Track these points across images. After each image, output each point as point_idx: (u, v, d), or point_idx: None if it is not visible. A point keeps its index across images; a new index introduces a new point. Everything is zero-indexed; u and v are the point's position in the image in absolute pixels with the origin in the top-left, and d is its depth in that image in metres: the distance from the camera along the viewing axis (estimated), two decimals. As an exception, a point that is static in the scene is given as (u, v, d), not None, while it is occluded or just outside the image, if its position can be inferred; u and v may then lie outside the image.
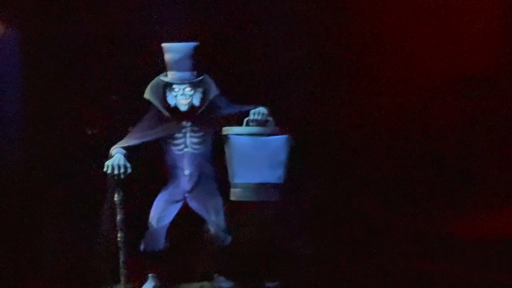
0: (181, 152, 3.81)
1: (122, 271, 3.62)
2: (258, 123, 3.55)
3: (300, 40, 3.97)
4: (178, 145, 3.81)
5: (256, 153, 3.48)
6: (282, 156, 3.47)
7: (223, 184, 3.75)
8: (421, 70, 3.92)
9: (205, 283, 3.87)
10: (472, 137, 3.83)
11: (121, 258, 3.62)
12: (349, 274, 3.65)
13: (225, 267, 3.80)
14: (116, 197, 3.60)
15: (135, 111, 3.95)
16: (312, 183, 3.82)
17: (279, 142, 3.48)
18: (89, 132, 4.30)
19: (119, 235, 3.62)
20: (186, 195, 3.79)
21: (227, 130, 3.54)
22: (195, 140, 3.81)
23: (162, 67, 3.78)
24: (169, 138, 3.81)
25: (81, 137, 4.26)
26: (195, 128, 3.80)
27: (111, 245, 3.66)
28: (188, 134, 3.81)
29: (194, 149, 3.81)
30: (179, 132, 3.80)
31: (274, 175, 3.45)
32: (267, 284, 3.66)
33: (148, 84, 3.81)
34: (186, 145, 3.80)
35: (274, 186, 3.44)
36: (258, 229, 3.73)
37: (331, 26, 3.98)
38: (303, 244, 3.72)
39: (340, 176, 3.93)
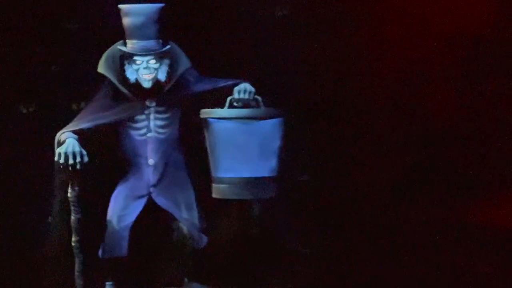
0: (144, 137, 3.28)
1: (78, 281, 3.11)
2: (245, 103, 3.05)
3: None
4: (139, 129, 3.28)
5: (245, 140, 2.97)
6: (276, 143, 2.99)
7: (195, 174, 3.31)
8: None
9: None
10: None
11: (77, 266, 3.10)
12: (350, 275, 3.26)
13: (199, 272, 3.33)
14: (70, 193, 3.05)
15: (85, 86, 3.44)
16: (309, 174, 3.28)
17: (272, 126, 2.98)
18: (24, 111, 3.55)
19: (73, 239, 3.08)
20: (151, 189, 3.28)
21: (207, 113, 3.02)
22: (160, 123, 3.29)
23: (119, 34, 3.23)
24: (129, 120, 3.27)
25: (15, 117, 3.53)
26: (161, 109, 3.27)
27: (64, 251, 3.14)
28: (152, 116, 3.28)
29: (159, 133, 3.29)
30: (141, 113, 3.26)
31: (267, 167, 2.98)
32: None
33: (101, 53, 3.25)
34: (150, 129, 3.28)
35: (268, 180, 2.98)
36: (242, 227, 3.29)
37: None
38: (297, 243, 3.28)
39: (342, 165, 3.40)
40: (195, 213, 3.25)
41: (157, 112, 3.27)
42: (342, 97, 3.51)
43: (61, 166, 2.98)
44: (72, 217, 3.06)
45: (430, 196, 3.42)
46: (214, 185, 3.04)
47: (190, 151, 3.34)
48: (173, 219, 3.24)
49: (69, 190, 3.04)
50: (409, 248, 3.39)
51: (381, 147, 3.48)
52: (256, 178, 2.97)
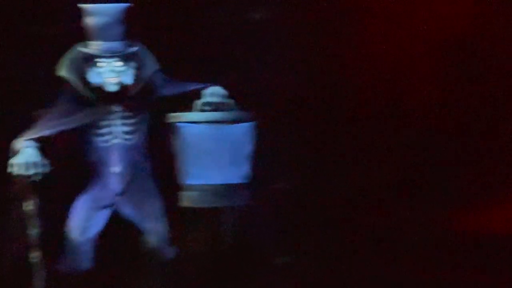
0: (108, 144, 3.13)
1: None
2: (215, 107, 2.92)
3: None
4: (104, 135, 3.13)
5: (216, 146, 2.87)
6: (248, 148, 2.89)
7: (162, 182, 3.16)
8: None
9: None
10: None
11: (37, 284, 2.93)
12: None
13: (169, 285, 3.19)
14: (27, 206, 2.90)
15: (42, 91, 3.25)
16: (283, 179, 3.17)
17: (243, 130, 2.88)
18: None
19: (33, 254, 2.92)
20: (116, 198, 3.13)
21: (176, 117, 2.92)
22: (126, 128, 3.13)
23: (79, 35, 3.08)
24: (93, 126, 3.11)
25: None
26: (127, 114, 3.13)
27: (22, 268, 2.96)
28: (117, 122, 3.12)
29: (125, 139, 3.14)
30: (106, 119, 3.10)
31: (238, 173, 2.88)
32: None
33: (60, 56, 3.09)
34: (115, 135, 3.13)
35: (240, 187, 2.87)
36: (212, 236, 3.17)
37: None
38: (273, 251, 3.12)
39: (317, 169, 3.30)
40: (162, 224, 3.12)
41: (123, 117, 3.12)
42: (318, 100, 3.41)
43: (18, 178, 2.84)
44: (31, 232, 2.91)
45: (413, 201, 3.32)
46: (183, 193, 2.93)
47: (157, 158, 3.19)
48: (140, 230, 3.10)
49: (27, 203, 2.90)
50: (392, 252, 3.32)
51: (357, 152, 3.39)
52: (228, 185, 2.87)
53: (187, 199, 2.91)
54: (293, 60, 3.36)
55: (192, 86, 3.14)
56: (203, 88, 3.06)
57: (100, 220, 3.10)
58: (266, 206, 3.12)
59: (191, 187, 2.90)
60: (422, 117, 3.41)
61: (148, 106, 3.15)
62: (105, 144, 3.13)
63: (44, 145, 2.95)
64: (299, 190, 3.39)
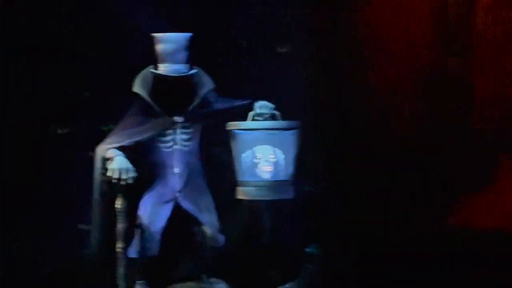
0: (170, 149, 3.61)
1: (122, 284, 3.39)
2: (265, 117, 3.42)
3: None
4: (167, 142, 3.61)
5: (267, 149, 3.37)
6: (293, 151, 3.39)
7: (212, 181, 3.68)
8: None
9: (192, 284, 3.71)
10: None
11: (120, 270, 3.37)
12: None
13: (216, 268, 3.68)
14: (119, 204, 3.32)
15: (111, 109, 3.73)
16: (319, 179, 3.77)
17: (289, 136, 3.38)
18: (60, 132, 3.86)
19: (119, 245, 3.35)
20: (177, 194, 3.60)
21: (234, 125, 3.38)
22: (185, 136, 3.63)
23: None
24: (159, 135, 3.58)
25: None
26: (186, 124, 3.62)
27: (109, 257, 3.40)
28: (178, 131, 3.61)
29: (184, 146, 3.63)
30: (170, 129, 3.59)
31: (285, 171, 3.36)
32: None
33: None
34: (176, 142, 3.61)
35: (287, 183, 3.37)
36: (252, 228, 3.63)
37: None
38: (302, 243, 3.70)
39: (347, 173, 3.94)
40: (215, 216, 3.60)
41: (182, 127, 3.60)
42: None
43: (114, 181, 3.26)
44: (119, 226, 3.33)
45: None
46: (240, 188, 3.37)
47: (207, 161, 3.70)
48: (196, 221, 3.58)
49: (119, 202, 3.31)
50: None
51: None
52: (277, 181, 3.36)
53: (243, 193, 3.36)
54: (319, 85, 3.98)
55: (235, 102, 3.64)
56: (248, 104, 3.54)
57: (165, 213, 3.54)
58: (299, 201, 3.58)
59: (247, 183, 3.36)
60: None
61: (202, 118, 3.64)
62: (167, 150, 3.61)
63: (126, 152, 3.40)
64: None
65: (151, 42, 3.51)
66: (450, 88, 4.13)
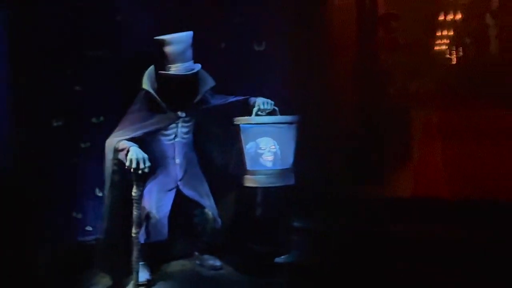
0: (171, 142, 3.87)
1: (136, 266, 3.59)
2: (267, 112, 3.74)
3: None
4: (169, 135, 3.85)
5: (269, 141, 3.70)
6: (292, 142, 3.72)
7: (207, 170, 3.99)
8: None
9: (185, 262, 4.09)
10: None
11: (135, 254, 3.58)
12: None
13: (213, 247, 4.04)
14: (135, 192, 3.51)
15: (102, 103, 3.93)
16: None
17: (291, 130, 3.70)
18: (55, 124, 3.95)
19: (134, 230, 3.55)
20: (179, 183, 3.87)
21: (240, 120, 3.64)
22: (185, 130, 3.89)
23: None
24: (162, 128, 3.81)
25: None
26: (187, 119, 3.87)
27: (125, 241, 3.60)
28: (180, 125, 3.86)
29: (183, 138, 3.89)
30: (173, 122, 3.83)
31: (288, 161, 3.70)
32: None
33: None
34: (177, 135, 3.86)
35: (288, 171, 3.71)
36: (249, 208, 4.02)
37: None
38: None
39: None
40: (212, 201, 3.92)
41: (183, 121, 3.86)
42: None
43: (132, 170, 3.42)
44: (135, 213, 3.52)
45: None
46: (248, 177, 3.66)
47: (202, 152, 4.00)
48: (196, 206, 3.88)
49: (135, 190, 3.50)
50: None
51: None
52: (280, 170, 3.69)
53: (250, 181, 3.66)
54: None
55: (230, 98, 3.90)
56: (243, 100, 3.84)
57: (169, 200, 3.81)
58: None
59: (253, 172, 3.66)
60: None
61: (201, 112, 3.90)
62: (168, 142, 3.86)
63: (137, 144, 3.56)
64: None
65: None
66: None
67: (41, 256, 3.81)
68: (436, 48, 5.48)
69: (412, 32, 5.03)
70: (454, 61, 5.41)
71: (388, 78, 5.12)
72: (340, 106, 4.80)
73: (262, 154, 3.72)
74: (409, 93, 5.07)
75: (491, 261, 3.66)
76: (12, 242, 3.68)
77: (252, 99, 3.85)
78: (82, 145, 4.11)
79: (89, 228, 4.14)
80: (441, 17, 5.30)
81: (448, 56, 5.42)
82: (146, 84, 3.72)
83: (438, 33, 5.42)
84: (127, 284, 3.62)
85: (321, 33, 4.59)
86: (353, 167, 4.76)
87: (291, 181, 3.72)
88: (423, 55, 5.19)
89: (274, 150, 3.73)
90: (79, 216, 4.13)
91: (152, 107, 3.77)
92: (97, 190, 4.12)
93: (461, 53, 5.43)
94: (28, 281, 3.62)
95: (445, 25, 5.36)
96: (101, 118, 4.07)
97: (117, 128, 3.71)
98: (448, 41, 5.24)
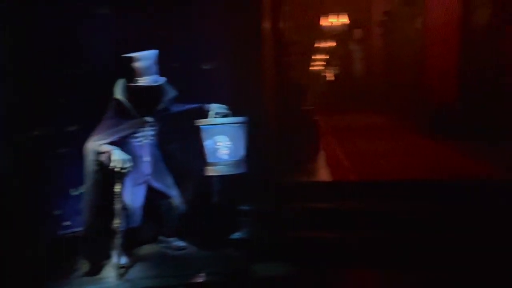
0: (141, 143, 4.48)
1: (118, 251, 4.23)
2: (223, 115, 4.47)
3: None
4: (138, 137, 4.46)
5: (226, 137, 4.43)
6: (244, 138, 4.47)
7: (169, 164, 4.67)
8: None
9: (154, 245, 4.75)
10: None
11: (117, 241, 4.23)
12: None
13: (178, 230, 4.74)
14: (117, 189, 4.16)
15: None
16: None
17: (242, 128, 4.45)
18: (37, 133, 4.45)
19: (116, 221, 4.19)
20: (147, 177, 4.52)
21: (200, 122, 4.36)
22: (151, 132, 4.51)
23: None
24: (134, 132, 4.44)
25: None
26: (153, 123, 4.50)
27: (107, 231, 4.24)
28: (147, 128, 4.48)
29: (151, 140, 4.52)
30: (143, 127, 4.46)
31: (240, 153, 4.44)
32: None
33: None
34: (146, 137, 4.49)
35: (242, 162, 4.46)
36: (207, 194, 4.72)
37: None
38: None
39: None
40: (177, 191, 4.62)
41: (150, 125, 4.49)
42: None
43: (117, 170, 4.11)
44: (117, 206, 4.17)
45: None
46: (210, 167, 4.36)
47: (165, 150, 4.67)
48: (163, 196, 4.57)
49: (117, 187, 4.17)
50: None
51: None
52: (235, 160, 4.44)
53: (213, 171, 4.37)
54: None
55: (187, 106, 4.56)
56: (198, 107, 4.51)
57: (141, 192, 4.47)
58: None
59: (213, 163, 4.37)
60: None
61: (163, 117, 4.55)
62: (138, 143, 4.47)
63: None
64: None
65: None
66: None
67: (27, 249, 4.32)
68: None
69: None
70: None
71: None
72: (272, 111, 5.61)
73: (219, 148, 4.41)
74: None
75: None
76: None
77: (206, 106, 4.52)
78: (59, 151, 4.61)
79: (67, 223, 4.64)
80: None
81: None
82: (118, 94, 4.30)
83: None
84: (107, 267, 4.24)
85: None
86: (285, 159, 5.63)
87: (244, 169, 4.43)
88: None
89: (229, 145, 4.43)
90: (58, 213, 4.64)
91: (123, 114, 4.35)
92: (71, 190, 4.64)
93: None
94: (16, 270, 4.13)
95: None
96: (76, 127, 4.57)
97: (94, 133, 4.27)
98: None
